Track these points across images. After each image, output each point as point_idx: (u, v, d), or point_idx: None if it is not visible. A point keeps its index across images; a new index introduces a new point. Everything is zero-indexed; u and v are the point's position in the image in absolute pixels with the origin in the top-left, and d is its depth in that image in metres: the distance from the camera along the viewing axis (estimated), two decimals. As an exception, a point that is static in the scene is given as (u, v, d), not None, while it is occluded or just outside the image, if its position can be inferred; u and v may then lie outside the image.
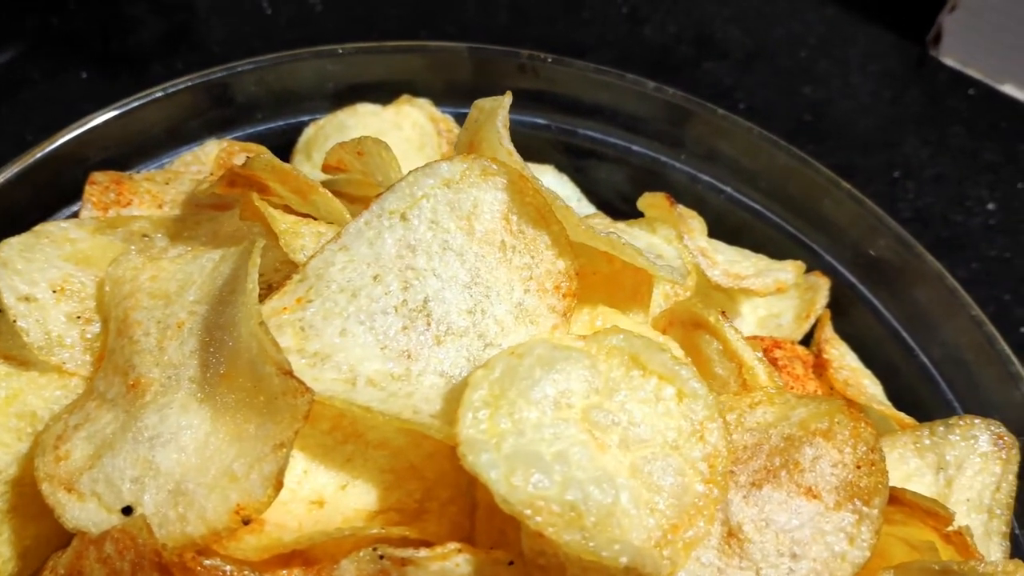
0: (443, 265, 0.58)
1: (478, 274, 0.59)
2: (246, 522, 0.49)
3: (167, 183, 0.75)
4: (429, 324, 0.57)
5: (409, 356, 0.56)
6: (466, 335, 0.58)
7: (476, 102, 0.64)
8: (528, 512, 0.46)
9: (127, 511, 0.52)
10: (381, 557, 0.47)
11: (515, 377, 0.52)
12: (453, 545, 0.48)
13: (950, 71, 1.46)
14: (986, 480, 0.69)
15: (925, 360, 0.79)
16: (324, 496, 0.54)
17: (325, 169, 0.73)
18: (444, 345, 0.57)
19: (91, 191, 0.72)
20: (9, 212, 0.75)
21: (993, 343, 0.75)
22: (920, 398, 0.79)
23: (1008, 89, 1.44)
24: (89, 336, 0.62)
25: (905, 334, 0.80)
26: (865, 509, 0.55)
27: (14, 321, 0.60)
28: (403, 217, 0.59)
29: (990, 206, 1.31)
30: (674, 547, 0.51)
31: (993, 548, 0.70)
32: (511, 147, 0.60)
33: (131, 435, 0.54)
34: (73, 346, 0.61)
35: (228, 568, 0.47)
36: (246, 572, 0.47)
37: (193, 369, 0.56)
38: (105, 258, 0.65)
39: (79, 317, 0.62)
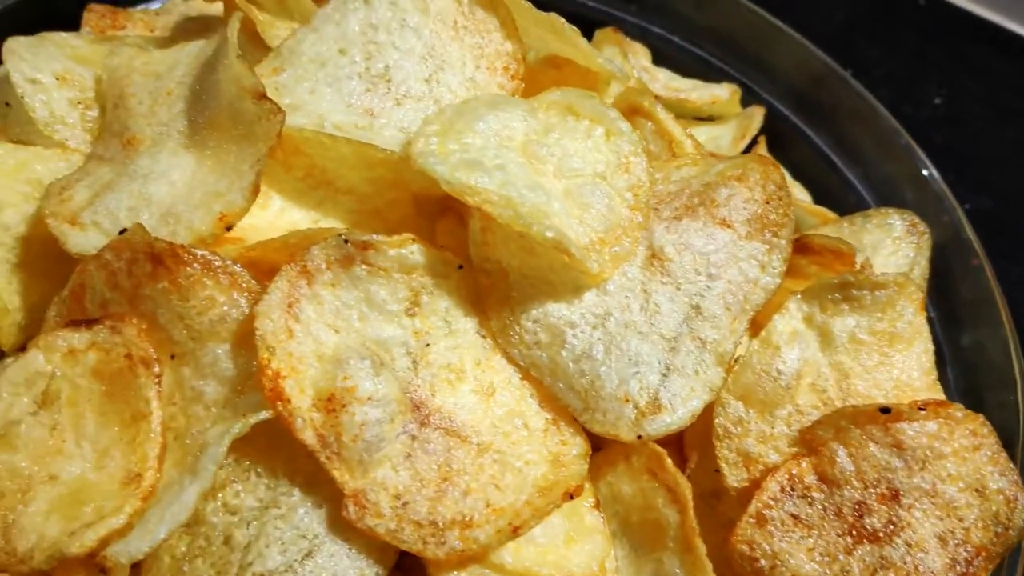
0: (402, 39, 0.66)
1: (433, 48, 0.66)
2: (228, 228, 0.57)
3: (158, 15, 0.83)
4: (390, 88, 0.65)
5: (372, 114, 0.64)
6: (423, 99, 0.65)
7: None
8: (467, 194, 0.53)
9: (123, 233, 0.59)
10: (346, 242, 0.54)
11: (462, 113, 0.60)
12: (409, 235, 0.55)
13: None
14: (900, 261, 0.77)
15: (851, 177, 0.87)
16: (299, 228, 0.62)
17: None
18: (403, 106, 0.64)
19: (88, 17, 0.79)
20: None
21: (911, 153, 0.82)
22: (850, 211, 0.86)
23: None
24: (88, 120, 0.69)
25: (834, 157, 0.88)
26: (774, 240, 0.63)
27: (22, 97, 0.67)
28: (366, 1, 0.66)
29: (936, 100, 1.38)
30: (601, 255, 0.58)
31: (907, 323, 0.77)
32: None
33: (126, 177, 0.61)
34: (74, 126, 0.69)
35: (214, 258, 0.54)
36: (228, 262, 0.55)
37: (181, 124, 0.63)
38: (102, 61, 0.72)
39: (79, 103, 0.69)
